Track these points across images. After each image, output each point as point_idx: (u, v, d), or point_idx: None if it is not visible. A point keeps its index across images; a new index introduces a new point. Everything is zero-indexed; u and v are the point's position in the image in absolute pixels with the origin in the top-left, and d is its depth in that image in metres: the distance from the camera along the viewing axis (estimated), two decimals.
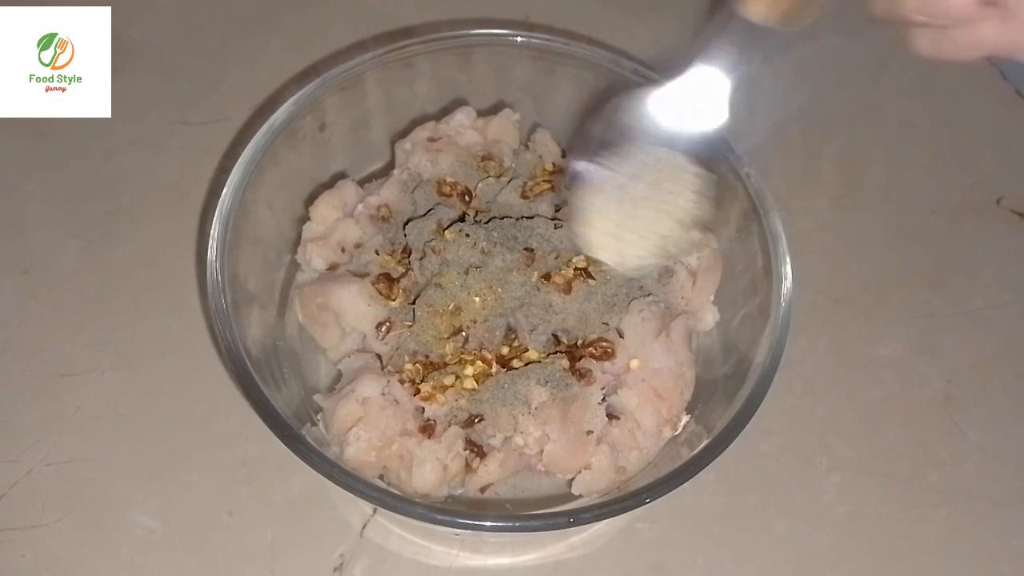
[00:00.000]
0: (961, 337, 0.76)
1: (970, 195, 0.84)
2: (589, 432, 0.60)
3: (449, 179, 0.68)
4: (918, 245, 0.81)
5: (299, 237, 0.69)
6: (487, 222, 0.65)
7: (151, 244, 0.76)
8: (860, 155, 0.85)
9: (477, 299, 0.61)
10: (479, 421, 0.59)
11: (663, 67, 0.61)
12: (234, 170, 0.62)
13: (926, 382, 0.74)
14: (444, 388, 0.60)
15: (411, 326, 0.62)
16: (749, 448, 0.66)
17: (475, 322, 0.61)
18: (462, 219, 0.66)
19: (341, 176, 0.72)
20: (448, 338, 0.61)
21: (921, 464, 0.70)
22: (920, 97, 0.85)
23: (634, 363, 0.62)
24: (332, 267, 0.66)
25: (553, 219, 0.65)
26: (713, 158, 0.60)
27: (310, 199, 0.69)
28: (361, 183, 0.72)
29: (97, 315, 0.73)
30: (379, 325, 0.62)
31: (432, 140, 0.70)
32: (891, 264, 0.80)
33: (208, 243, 0.59)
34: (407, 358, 0.61)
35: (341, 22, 0.89)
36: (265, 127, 0.63)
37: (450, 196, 0.68)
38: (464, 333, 0.61)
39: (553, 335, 0.62)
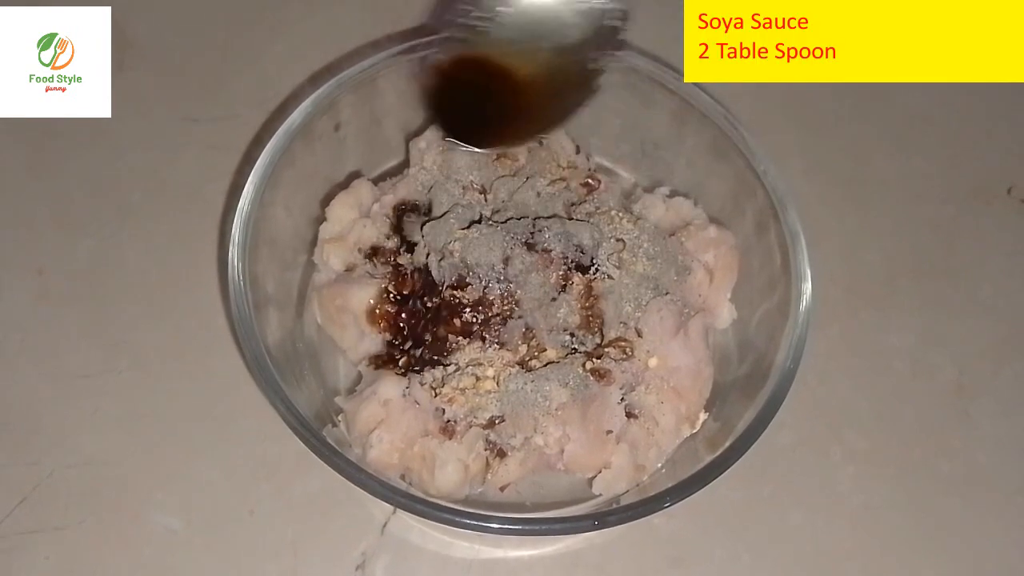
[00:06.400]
0: (972, 326, 0.77)
1: (980, 185, 0.84)
2: (609, 431, 0.60)
3: (465, 178, 0.68)
4: (928, 234, 0.81)
5: (315, 237, 0.68)
6: (505, 222, 0.64)
7: (165, 243, 0.76)
8: (870, 145, 0.85)
9: (496, 300, 0.61)
10: (500, 422, 0.59)
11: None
12: (252, 172, 0.61)
13: (937, 371, 0.74)
14: (464, 389, 0.60)
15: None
16: (765, 440, 0.66)
17: (494, 323, 0.61)
18: (479, 220, 0.65)
19: (356, 175, 0.72)
20: (467, 339, 0.61)
21: (933, 454, 0.71)
22: (930, 87, 0.85)
23: (652, 362, 0.62)
24: (349, 268, 0.66)
25: (569, 219, 0.65)
26: None
27: (325, 199, 0.69)
28: (375, 181, 0.71)
29: (112, 315, 0.73)
30: None
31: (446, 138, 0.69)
32: (902, 254, 0.80)
33: (228, 246, 0.59)
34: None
35: (346, 18, 0.88)
36: (282, 128, 0.63)
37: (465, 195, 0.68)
38: (483, 334, 0.61)
39: (571, 335, 0.62)
